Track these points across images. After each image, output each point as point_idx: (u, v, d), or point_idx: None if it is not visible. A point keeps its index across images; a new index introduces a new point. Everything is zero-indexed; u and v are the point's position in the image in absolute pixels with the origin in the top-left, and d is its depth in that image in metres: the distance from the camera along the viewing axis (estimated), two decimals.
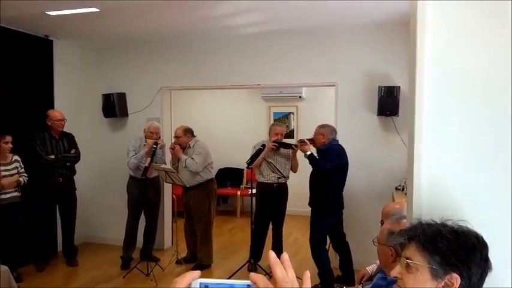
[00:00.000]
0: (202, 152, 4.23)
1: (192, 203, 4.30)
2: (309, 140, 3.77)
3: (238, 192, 6.67)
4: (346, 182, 3.91)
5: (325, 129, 3.72)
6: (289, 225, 5.91)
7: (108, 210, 5.18)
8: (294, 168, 4.21)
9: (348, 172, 3.92)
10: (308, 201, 3.84)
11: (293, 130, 6.79)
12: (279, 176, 4.16)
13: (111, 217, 5.14)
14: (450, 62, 1.32)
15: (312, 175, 3.81)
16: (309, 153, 3.66)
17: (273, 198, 4.20)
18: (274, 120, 6.87)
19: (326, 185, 3.67)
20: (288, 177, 4.26)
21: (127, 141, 4.51)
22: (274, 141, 4.07)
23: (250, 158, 4.06)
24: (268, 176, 4.17)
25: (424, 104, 1.34)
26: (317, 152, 3.78)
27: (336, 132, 3.75)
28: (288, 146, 4.13)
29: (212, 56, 4.74)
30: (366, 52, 4.23)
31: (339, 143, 3.76)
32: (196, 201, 4.28)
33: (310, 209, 3.85)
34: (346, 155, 3.71)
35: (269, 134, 4.26)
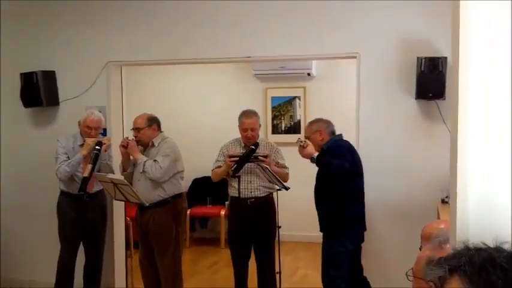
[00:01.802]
0: (170, 153, 4.26)
1: (151, 228, 4.30)
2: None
3: (222, 212, 6.70)
4: (372, 195, 4.09)
5: (320, 124, 4.00)
6: (294, 256, 5.97)
7: (35, 242, 5.17)
8: (282, 179, 4.29)
9: (376, 180, 4.20)
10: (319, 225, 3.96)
11: (299, 122, 6.84)
12: (279, 188, 4.28)
13: (39, 252, 5.13)
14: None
15: (319, 187, 3.93)
16: (316, 154, 3.78)
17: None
18: (273, 108, 6.95)
19: (341, 195, 3.80)
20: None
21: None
22: (230, 156, 4.20)
23: (236, 163, 4.15)
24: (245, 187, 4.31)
25: (472, 82, 1.36)
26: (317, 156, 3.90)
27: (333, 125, 4.01)
28: (252, 159, 4.18)
29: (183, 17, 4.75)
30: (399, 10, 4.26)
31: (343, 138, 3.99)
32: (157, 225, 4.28)
33: (322, 235, 3.95)
34: (357, 152, 3.94)
35: (239, 128, 4.40)
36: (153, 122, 4.34)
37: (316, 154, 3.79)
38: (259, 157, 4.19)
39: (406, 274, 1.83)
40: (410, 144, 4.31)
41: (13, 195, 5.20)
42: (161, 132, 4.39)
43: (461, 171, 1.39)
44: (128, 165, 4.36)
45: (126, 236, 5.12)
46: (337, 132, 4.05)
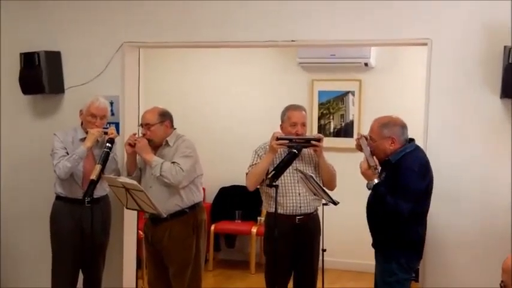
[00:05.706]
0: (191, 154, 4.30)
1: (166, 244, 4.32)
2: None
3: (254, 230, 6.69)
4: (440, 217, 4.22)
5: (394, 129, 3.80)
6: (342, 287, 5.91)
7: (31, 254, 5.27)
8: (329, 182, 4.32)
9: (447, 198, 4.24)
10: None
11: (351, 123, 6.81)
12: (325, 202, 4.23)
13: (35, 265, 5.21)
14: None
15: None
16: (376, 181, 3.70)
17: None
18: (320, 105, 6.94)
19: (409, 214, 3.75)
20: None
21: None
22: (279, 138, 4.16)
23: (275, 169, 4.13)
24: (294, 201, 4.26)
25: None
26: (382, 168, 3.86)
27: (407, 129, 3.86)
28: (303, 143, 4.19)
29: None
30: None
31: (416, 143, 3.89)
32: (174, 241, 4.31)
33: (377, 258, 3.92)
34: (431, 168, 3.85)
35: (281, 126, 4.35)
36: (166, 118, 4.37)
37: (376, 180, 3.71)
38: (311, 141, 4.17)
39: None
40: (493, 154, 4.26)
41: (9, 202, 5.32)
42: (174, 129, 4.43)
43: None
44: (134, 169, 4.39)
45: (137, 252, 5.19)
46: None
